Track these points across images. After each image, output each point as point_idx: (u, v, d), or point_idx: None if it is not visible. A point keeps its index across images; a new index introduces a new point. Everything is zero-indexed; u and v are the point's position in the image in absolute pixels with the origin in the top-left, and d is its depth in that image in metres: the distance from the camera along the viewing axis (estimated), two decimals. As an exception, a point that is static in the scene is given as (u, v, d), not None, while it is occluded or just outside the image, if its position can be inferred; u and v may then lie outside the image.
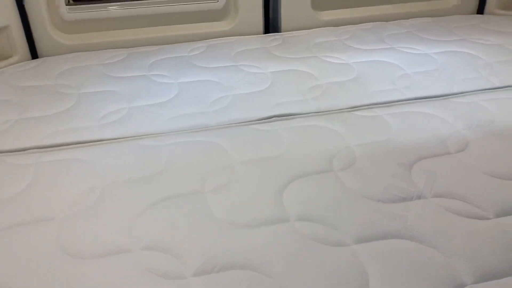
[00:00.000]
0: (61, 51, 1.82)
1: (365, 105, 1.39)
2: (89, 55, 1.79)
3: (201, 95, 1.46)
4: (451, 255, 0.85)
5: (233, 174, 1.08)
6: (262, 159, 1.13)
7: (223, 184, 1.04)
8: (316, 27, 2.03)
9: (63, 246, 0.89)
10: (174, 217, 0.96)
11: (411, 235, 0.90)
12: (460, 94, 1.44)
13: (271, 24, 2.05)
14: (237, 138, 1.23)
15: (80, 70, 1.66)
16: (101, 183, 1.06)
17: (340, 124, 1.28)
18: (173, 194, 1.02)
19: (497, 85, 1.49)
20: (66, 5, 1.83)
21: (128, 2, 1.90)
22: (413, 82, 1.52)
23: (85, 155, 1.17)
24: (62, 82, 1.58)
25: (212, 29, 1.97)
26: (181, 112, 1.37)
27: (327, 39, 1.90)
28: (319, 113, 1.35)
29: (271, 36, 1.96)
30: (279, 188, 1.02)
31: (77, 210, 0.98)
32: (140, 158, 1.16)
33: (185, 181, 1.06)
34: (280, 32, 2.01)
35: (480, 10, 2.20)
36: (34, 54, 1.82)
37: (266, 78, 1.57)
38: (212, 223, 0.93)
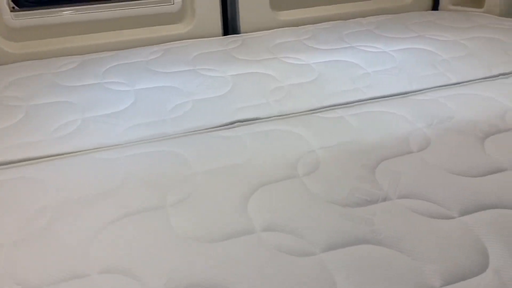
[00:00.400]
0: (7, 61, 1.72)
1: (327, 107, 1.38)
2: (39, 64, 1.69)
3: (159, 102, 1.40)
4: (419, 258, 0.84)
5: (195, 185, 1.03)
6: (225, 168, 1.09)
7: (184, 197, 0.99)
8: (275, 28, 2.01)
9: (12, 276, 0.82)
10: (133, 236, 0.90)
11: (378, 239, 0.88)
12: (419, 92, 1.45)
13: (230, 26, 2.02)
14: (198, 147, 1.18)
15: (29, 81, 1.57)
16: (53, 202, 0.99)
17: (303, 127, 1.26)
18: (131, 210, 0.96)
19: (455, 81, 1.52)
20: (11, 11, 1.72)
21: (79, 7, 1.82)
22: (374, 81, 1.52)
23: (35, 172, 1.10)
24: (9, 94, 1.49)
25: (168, 33, 1.91)
26: (139, 121, 1.31)
27: (287, 39, 1.88)
28: (282, 117, 1.33)
29: (230, 38, 1.92)
30: (244, 197, 0.99)
31: (26, 234, 0.91)
32: (95, 173, 1.09)
33: (145, 195, 1.01)
34: (240, 33, 1.98)
35: (435, 6, 2.24)
36: (-23, 65, 1.71)
37: (227, 81, 1.54)
38: (174, 240, 0.89)
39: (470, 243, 0.87)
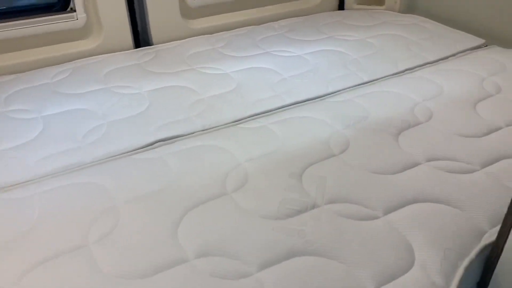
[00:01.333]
0: None
1: (249, 117, 1.37)
2: None
3: (71, 128, 1.31)
4: (351, 263, 0.86)
5: (118, 217, 0.97)
6: (150, 194, 1.04)
7: (108, 232, 0.93)
8: (189, 37, 1.97)
9: None
10: (55, 281, 0.83)
11: (312, 249, 0.89)
12: (334, 94, 1.50)
13: (141, 37, 1.94)
14: (119, 173, 1.12)
15: None
16: (-43, 258, 0.88)
17: (228, 140, 1.24)
18: (51, 254, 0.89)
19: (366, 79, 1.59)
20: None
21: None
22: (291, 86, 1.54)
23: None
24: None
25: (76, 49, 1.79)
26: (50, 151, 1.21)
27: (202, 48, 1.85)
28: (205, 131, 1.30)
29: (142, 50, 1.85)
30: (173, 224, 0.95)
31: None
32: (5, 215, 0.99)
33: (64, 235, 0.93)
34: (152, 45, 1.91)
35: (341, 5, 2.34)
36: None
37: (143, 98, 1.47)
38: (101, 280, 0.83)
39: (396, 241, 0.92)
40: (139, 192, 1.04)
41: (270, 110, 1.40)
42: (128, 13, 1.85)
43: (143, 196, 1.03)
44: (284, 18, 2.18)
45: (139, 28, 1.93)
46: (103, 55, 1.79)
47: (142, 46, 1.90)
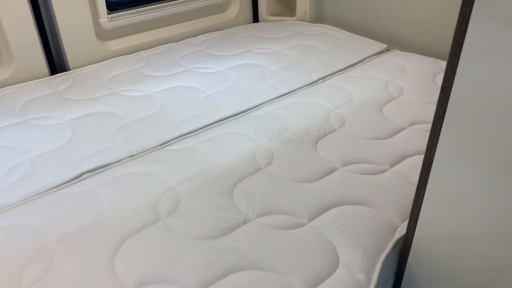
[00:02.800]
0: None
1: (176, 138, 1.40)
2: None
3: (-10, 168, 1.26)
4: (283, 272, 0.93)
5: (51, 258, 0.96)
6: (82, 229, 1.04)
7: (42, 276, 0.92)
8: (107, 59, 1.95)
9: None
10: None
11: (246, 264, 0.95)
12: (256, 107, 1.57)
13: (56, 63, 1.88)
14: (47, 211, 1.10)
15: None
16: None
17: (157, 164, 1.27)
18: (-18, 306, 0.86)
19: (284, 91, 1.68)
20: None
21: None
22: (215, 103, 1.60)
23: None
24: None
25: (-16, 81, 1.70)
26: (-32, 195, 1.16)
27: (122, 70, 1.84)
28: (133, 157, 1.31)
29: (59, 76, 1.80)
30: (109, 258, 0.96)
31: None
32: None
33: (-5, 284, 0.91)
34: (69, 70, 1.87)
35: (255, 18, 2.43)
36: None
37: (65, 129, 1.45)
38: (40, 326, 0.82)
39: (322, 245, 1.00)
40: (71, 228, 1.04)
41: (197, 129, 1.45)
42: (40, 38, 1.79)
43: (75, 231, 1.03)
44: (202, 34, 2.23)
45: (53, 54, 1.87)
46: (17, 85, 1.72)
47: (59, 72, 1.85)
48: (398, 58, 1.92)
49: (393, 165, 1.27)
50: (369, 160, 1.29)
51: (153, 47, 2.07)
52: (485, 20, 0.69)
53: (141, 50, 2.03)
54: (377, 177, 1.22)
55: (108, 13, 1.93)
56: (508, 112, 0.72)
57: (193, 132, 1.43)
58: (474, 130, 0.78)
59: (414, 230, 0.97)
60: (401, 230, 1.05)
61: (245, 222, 1.07)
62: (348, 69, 1.86)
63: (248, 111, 1.55)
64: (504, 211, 0.80)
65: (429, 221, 0.93)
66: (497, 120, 0.74)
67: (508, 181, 0.77)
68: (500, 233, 0.83)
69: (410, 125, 1.46)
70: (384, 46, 2.04)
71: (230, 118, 1.51)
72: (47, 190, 1.18)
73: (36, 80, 1.76)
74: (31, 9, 1.72)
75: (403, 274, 1.04)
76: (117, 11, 1.97)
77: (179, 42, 2.13)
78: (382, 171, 1.25)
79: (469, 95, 0.76)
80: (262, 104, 1.60)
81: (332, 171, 1.25)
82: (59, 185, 1.20)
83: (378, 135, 1.40)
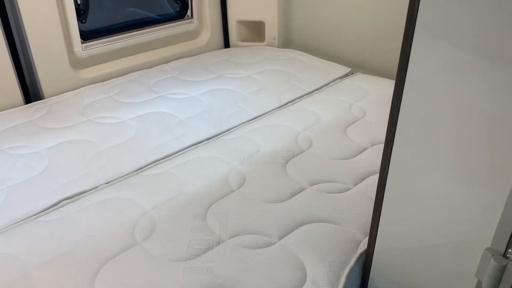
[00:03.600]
0: None
1: (151, 163, 1.46)
2: None
3: (-33, 199, 1.28)
4: (255, 289, 0.99)
5: (32, 285, 1.00)
6: (61, 255, 1.08)
7: (24, 302, 0.96)
8: (81, 86, 1.99)
9: None
10: None
11: (220, 283, 1.01)
12: (228, 131, 1.65)
13: (31, 92, 1.92)
14: (26, 239, 1.13)
15: None
16: None
17: (132, 190, 1.32)
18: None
19: (255, 115, 1.77)
20: None
21: None
22: (188, 128, 1.66)
23: None
24: None
25: (-42, 111, 1.72)
26: None
27: (96, 97, 1.89)
28: (109, 184, 1.36)
29: (34, 105, 1.83)
30: (89, 282, 1.00)
31: None
32: None
33: (-25, 313, 0.94)
34: (43, 98, 1.90)
35: (227, 43, 2.53)
36: None
37: (42, 157, 1.48)
38: None
39: (291, 262, 1.07)
40: (50, 255, 1.08)
41: (171, 154, 1.51)
42: (14, 68, 1.82)
43: (54, 258, 1.07)
44: (175, 60, 2.31)
45: (28, 82, 1.91)
46: (-9, 114, 1.75)
47: (33, 101, 1.88)
48: (361, 81, 2.04)
49: (356, 183, 1.36)
50: (334, 179, 1.37)
51: (126, 74, 2.13)
52: (426, 46, 0.79)
53: (114, 77, 2.09)
54: (341, 195, 1.30)
55: (82, 42, 1.99)
56: (452, 132, 0.81)
57: (167, 157, 1.49)
58: (421, 151, 0.87)
59: (375, 244, 1.06)
60: (364, 245, 1.13)
61: (218, 243, 1.13)
62: (314, 92, 1.96)
63: (220, 135, 1.63)
64: (453, 224, 0.89)
65: (387, 235, 1.02)
66: (442, 141, 0.83)
67: (455, 196, 0.86)
68: (451, 243, 0.91)
69: (372, 145, 1.56)
70: (348, 69, 2.16)
71: (203, 142, 1.58)
72: (26, 219, 1.21)
73: (11, 110, 1.79)
74: (5, 39, 1.76)
75: (366, 286, 1.11)
76: (91, 40, 2.03)
77: (152, 68, 2.19)
78: (347, 190, 1.33)
79: (415, 119, 0.85)
80: (233, 127, 1.67)
81: (300, 191, 1.33)
82: (37, 213, 1.24)
83: (343, 155, 1.50)
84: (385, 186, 0.96)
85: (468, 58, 0.73)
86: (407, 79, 0.84)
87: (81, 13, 1.96)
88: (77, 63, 2.02)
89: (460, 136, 0.79)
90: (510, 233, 0.76)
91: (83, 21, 1.99)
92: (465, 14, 0.71)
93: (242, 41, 2.53)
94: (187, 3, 2.33)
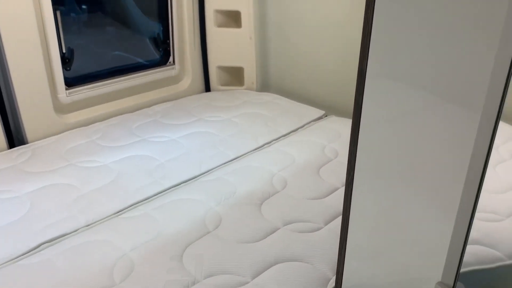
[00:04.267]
0: None
1: (130, 206, 1.51)
2: None
3: None
4: (227, 328, 1.03)
5: (10, 328, 1.02)
6: (39, 298, 1.11)
7: None
8: (64, 131, 2.05)
9: None
10: None
11: (194, 322, 1.05)
12: (207, 173, 1.71)
13: (15, 137, 1.97)
14: (6, 283, 1.16)
15: None
16: None
17: (111, 233, 1.36)
18: None
19: (233, 157, 1.84)
20: None
21: None
22: (168, 170, 1.72)
23: None
24: None
25: None
26: None
27: (79, 142, 1.95)
28: (89, 227, 1.40)
29: (17, 150, 1.88)
30: (65, 324, 1.03)
31: None
32: None
33: None
34: (27, 143, 1.95)
35: (207, 87, 2.64)
36: None
37: (24, 201, 1.52)
38: None
39: (262, 300, 1.12)
40: (29, 299, 1.10)
41: (150, 197, 1.56)
42: (-1, 113, 1.89)
43: (33, 302, 1.10)
44: (157, 104, 2.39)
45: (12, 127, 1.96)
46: (-26, 159, 1.79)
47: (17, 146, 1.93)
48: (335, 123, 2.14)
49: (327, 222, 1.42)
50: (306, 219, 1.44)
51: (109, 118, 2.20)
52: (376, 94, 0.88)
53: (98, 122, 2.15)
54: (313, 235, 1.36)
55: (66, 89, 2.06)
56: (405, 174, 0.89)
57: (146, 199, 1.55)
58: (377, 194, 0.95)
59: (341, 282, 1.11)
60: (333, 282, 1.18)
61: (193, 284, 1.17)
62: (290, 134, 2.05)
63: (198, 177, 1.69)
64: (409, 260, 0.95)
65: (352, 272, 1.07)
66: (399, 188, 0.91)
67: (409, 234, 0.93)
68: (410, 280, 0.98)
69: (343, 185, 1.63)
70: (322, 112, 2.27)
71: (181, 184, 1.64)
72: (6, 262, 1.24)
73: (-6, 154, 1.84)
74: (-9, 86, 1.83)
75: (336, 322, 1.16)
76: (75, 86, 2.11)
77: (135, 112, 2.27)
78: (318, 229, 1.40)
79: (371, 163, 0.93)
80: (212, 169, 1.74)
81: (274, 230, 1.39)
82: (17, 257, 1.26)
83: (316, 195, 1.57)
84: (348, 226, 1.03)
85: (418, 102, 0.82)
86: (361, 125, 0.93)
87: (66, 61, 2.05)
88: (61, 108, 2.09)
89: (412, 178, 0.87)
90: (457, 266, 0.84)
91: (68, 68, 2.07)
92: (411, 60, 0.80)
93: (222, 85, 2.65)
94: (169, 50, 2.44)
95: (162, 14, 2.37)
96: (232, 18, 2.51)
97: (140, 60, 2.41)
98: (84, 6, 2.20)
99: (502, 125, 2.10)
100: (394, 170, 0.90)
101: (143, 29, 2.47)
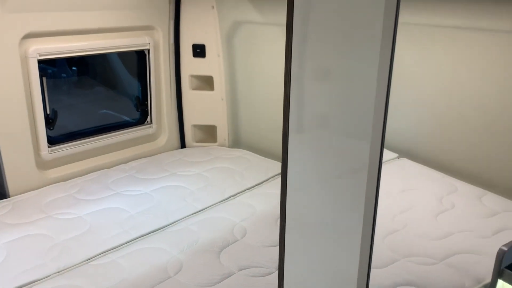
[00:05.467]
0: None
1: (100, 253, 1.64)
2: None
3: None
4: None
5: None
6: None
7: None
8: (45, 185, 2.20)
9: None
10: None
11: None
12: (173, 224, 1.86)
13: (-3, 191, 2.11)
14: (-23, 325, 1.27)
15: None
16: None
17: (80, 278, 1.49)
18: None
19: (199, 208, 2.00)
20: None
21: None
22: (137, 221, 1.87)
23: None
24: None
25: None
26: None
27: (58, 196, 2.10)
28: (60, 273, 1.52)
29: (-1, 203, 2.02)
30: None
31: None
32: None
33: None
34: (9, 197, 2.09)
35: (183, 144, 2.83)
36: None
37: (0, 250, 1.64)
38: None
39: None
40: None
41: (118, 246, 1.69)
42: (-17, 168, 2.04)
43: None
44: (134, 160, 2.57)
45: (-5, 182, 2.11)
46: (-43, 212, 1.92)
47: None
48: (297, 177, 2.32)
49: (277, 267, 1.56)
50: (260, 265, 1.58)
51: (89, 173, 2.36)
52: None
53: (77, 177, 2.31)
54: (263, 279, 1.50)
55: (48, 146, 2.24)
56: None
57: (114, 248, 1.68)
58: (301, 250, 1.11)
59: (282, 319, 1.24)
60: (277, 320, 1.31)
61: (151, 323, 1.29)
62: (255, 186, 2.22)
63: (165, 227, 1.83)
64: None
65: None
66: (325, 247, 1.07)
67: (332, 274, 1.08)
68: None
69: (297, 233, 1.79)
70: (287, 166, 2.45)
71: (149, 234, 1.78)
72: (-22, 307, 1.35)
73: (-23, 208, 1.97)
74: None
75: None
76: (57, 144, 2.29)
77: (112, 168, 2.44)
78: (269, 273, 1.53)
79: (299, 223, 1.10)
80: (178, 220, 1.89)
81: (229, 275, 1.52)
82: (-11, 302, 1.38)
83: (271, 243, 1.72)
84: (283, 281, 1.18)
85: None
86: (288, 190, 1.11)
87: (50, 121, 2.24)
88: (43, 164, 2.25)
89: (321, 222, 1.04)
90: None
91: (51, 128, 2.26)
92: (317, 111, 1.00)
93: (197, 142, 2.85)
94: (147, 110, 2.66)
95: (142, 78, 2.60)
96: (206, 82, 2.76)
97: (120, 119, 2.61)
98: (69, 70, 2.44)
99: (451, 180, 2.30)
100: (311, 222, 1.07)
101: (124, 92, 2.70)
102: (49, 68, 2.33)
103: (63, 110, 2.34)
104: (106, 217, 1.91)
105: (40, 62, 2.10)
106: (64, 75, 2.41)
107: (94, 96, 2.61)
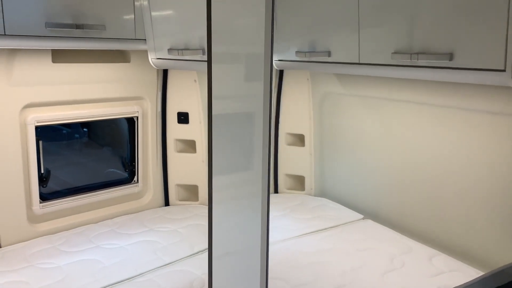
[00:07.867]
0: None
1: (68, 300, 1.83)
2: None
3: None
4: None
5: None
6: None
7: None
8: (35, 237, 2.43)
9: None
10: None
11: None
12: (140, 275, 2.05)
13: (-11, 243, 2.35)
14: None
15: None
16: None
17: (46, 321, 1.67)
18: None
19: (167, 261, 2.18)
20: None
21: None
22: (109, 272, 2.06)
23: None
24: None
25: None
26: None
27: (44, 247, 2.32)
28: (29, 316, 1.71)
29: (-10, 253, 2.25)
30: None
31: None
32: None
33: None
34: (0, 248, 2.32)
35: (167, 202, 3.06)
36: None
37: (-18, 295, 1.85)
38: None
39: None
40: None
41: (87, 293, 1.89)
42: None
43: None
44: (119, 216, 2.79)
45: (-12, 234, 2.35)
46: (-49, 260, 2.15)
47: (-10, 250, 2.31)
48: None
49: (224, 316, 1.73)
50: (209, 313, 1.74)
51: (76, 227, 2.59)
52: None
53: (64, 231, 2.54)
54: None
55: (40, 202, 2.50)
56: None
57: (83, 295, 1.87)
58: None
59: None
60: None
61: None
62: (224, 243, 2.41)
63: (133, 278, 2.02)
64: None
65: None
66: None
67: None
68: None
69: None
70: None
71: (117, 284, 1.97)
72: None
73: (-31, 256, 2.20)
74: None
75: None
76: (49, 200, 2.54)
77: (98, 223, 2.67)
78: (215, 321, 1.69)
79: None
80: (145, 272, 2.08)
81: (180, 322, 1.69)
82: None
83: (224, 294, 1.88)
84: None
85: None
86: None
87: (43, 179, 2.52)
88: (33, 218, 2.49)
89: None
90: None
91: (44, 185, 2.53)
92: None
93: (180, 200, 3.07)
94: (134, 171, 2.92)
95: (130, 141, 2.90)
96: (189, 145, 3.04)
97: (108, 179, 2.88)
98: (64, 132, 2.76)
99: (408, 241, 2.46)
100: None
101: (113, 153, 2.99)
102: (47, 131, 2.65)
103: (57, 169, 2.63)
104: (82, 267, 2.11)
105: (37, 127, 2.41)
106: (56, 140, 2.73)
107: (83, 158, 2.91)
